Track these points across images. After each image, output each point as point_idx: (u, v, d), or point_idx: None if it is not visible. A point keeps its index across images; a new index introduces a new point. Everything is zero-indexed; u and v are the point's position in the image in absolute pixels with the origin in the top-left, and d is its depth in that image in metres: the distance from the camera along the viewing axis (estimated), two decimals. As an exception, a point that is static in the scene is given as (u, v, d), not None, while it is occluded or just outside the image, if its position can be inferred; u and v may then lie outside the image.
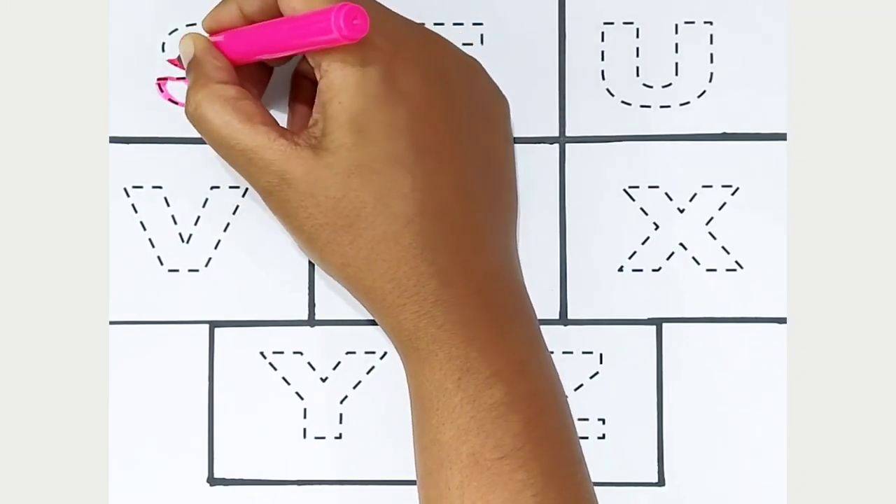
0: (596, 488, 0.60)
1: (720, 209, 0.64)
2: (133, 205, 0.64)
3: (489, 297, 0.59)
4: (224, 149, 0.58)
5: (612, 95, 0.65)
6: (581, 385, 0.64)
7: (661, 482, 0.64)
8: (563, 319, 0.64)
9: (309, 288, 0.64)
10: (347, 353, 0.64)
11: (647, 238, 0.64)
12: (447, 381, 0.57)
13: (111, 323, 0.64)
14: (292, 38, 0.57)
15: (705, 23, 0.65)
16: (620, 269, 0.64)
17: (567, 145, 0.64)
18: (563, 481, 0.58)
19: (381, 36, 0.57)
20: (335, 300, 0.64)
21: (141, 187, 0.64)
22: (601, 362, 0.64)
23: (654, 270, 0.64)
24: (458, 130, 0.59)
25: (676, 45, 0.65)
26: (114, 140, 0.64)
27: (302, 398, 0.64)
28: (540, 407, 0.58)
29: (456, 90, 0.60)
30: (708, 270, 0.64)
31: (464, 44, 0.64)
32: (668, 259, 0.64)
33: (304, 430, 0.64)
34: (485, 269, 0.59)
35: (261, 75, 0.63)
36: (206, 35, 0.61)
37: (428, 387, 0.58)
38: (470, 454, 0.57)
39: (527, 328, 0.60)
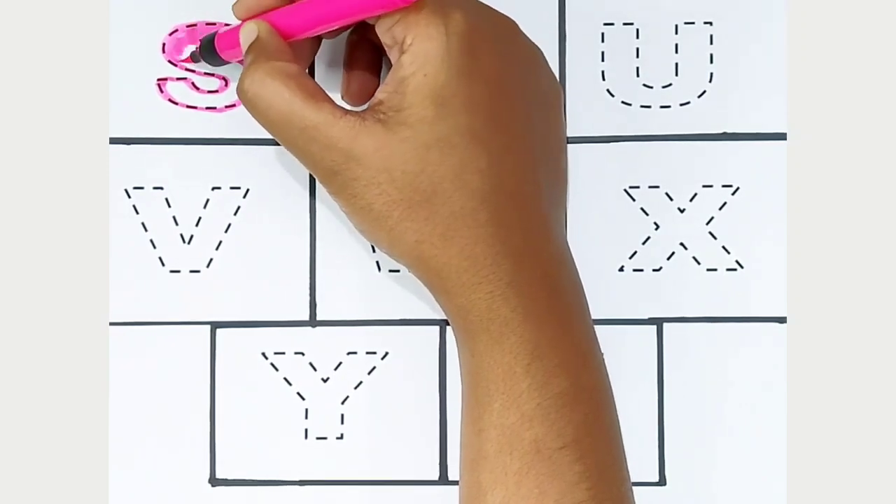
0: (597, 488, 0.60)
1: (720, 209, 0.64)
2: (134, 206, 0.64)
3: (556, 283, 0.58)
4: (284, 127, 0.57)
5: (613, 96, 0.65)
6: (581, 385, 0.64)
7: (661, 482, 0.64)
8: (564, 319, 0.64)
9: (310, 288, 0.64)
10: (349, 353, 0.64)
11: (648, 238, 0.64)
12: (517, 365, 0.57)
13: (111, 324, 0.64)
14: (352, 3, 0.56)
15: (705, 23, 0.65)
16: (621, 269, 0.64)
17: (567, 145, 0.64)
18: (614, 476, 0.58)
19: (460, 11, 0.57)
20: (336, 300, 0.64)
21: (142, 188, 0.65)
22: (602, 362, 0.64)
23: (654, 270, 0.64)
24: (527, 112, 0.59)
25: (676, 45, 0.65)
26: (114, 141, 0.64)
27: (303, 399, 0.64)
28: (598, 401, 0.58)
29: (525, 73, 0.60)
30: (708, 270, 0.64)
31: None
32: (668, 259, 0.64)
33: (306, 430, 0.64)
34: (551, 255, 0.59)
35: (308, 55, 0.62)
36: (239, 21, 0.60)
37: (496, 370, 0.57)
38: (532, 441, 0.56)
39: (586, 320, 0.60)
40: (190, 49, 0.65)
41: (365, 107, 0.59)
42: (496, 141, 0.57)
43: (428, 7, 0.57)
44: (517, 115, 0.59)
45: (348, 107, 0.61)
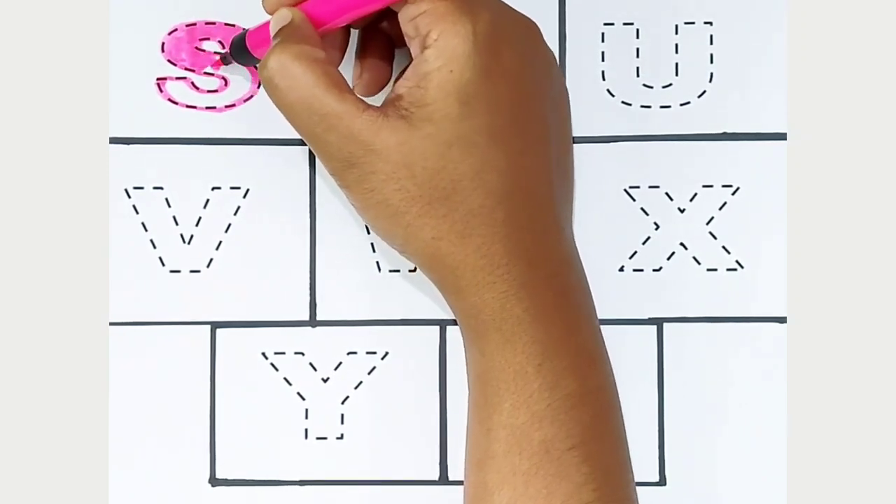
0: (597, 488, 0.60)
1: (720, 209, 0.64)
2: (134, 206, 0.64)
3: (565, 284, 0.59)
4: (303, 112, 0.57)
5: (613, 96, 0.65)
6: (581, 385, 0.64)
7: (661, 482, 0.64)
8: (564, 319, 0.64)
9: (310, 288, 0.64)
10: (349, 353, 0.64)
11: (648, 238, 0.64)
12: (528, 365, 0.57)
13: (111, 324, 0.64)
14: None
15: (705, 23, 0.65)
16: (621, 269, 0.64)
17: (569, 145, 0.64)
18: (620, 478, 0.58)
19: (488, 11, 0.57)
20: (336, 300, 0.64)
21: (142, 188, 0.65)
22: (602, 362, 0.64)
23: (654, 270, 0.64)
24: (543, 114, 0.59)
25: (676, 45, 0.65)
26: (114, 141, 0.64)
27: (303, 399, 0.64)
28: (605, 403, 0.59)
29: (542, 75, 0.60)
30: (708, 270, 0.64)
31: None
32: (668, 259, 0.64)
33: (306, 430, 0.64)
34: (561, 255, 0.59)
35: (339, 46, 0.61)
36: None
37: (507, 370, 0.57)
38: (541, 442, 0.56)
39: (593, 321, 0.60)
40: (188, 52, 0.65)
41: (381, 100, 0.58)
42: (515, 142, 0.57)
43: (456, 3, 0.56)
44: (535, 116, 0.59)
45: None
